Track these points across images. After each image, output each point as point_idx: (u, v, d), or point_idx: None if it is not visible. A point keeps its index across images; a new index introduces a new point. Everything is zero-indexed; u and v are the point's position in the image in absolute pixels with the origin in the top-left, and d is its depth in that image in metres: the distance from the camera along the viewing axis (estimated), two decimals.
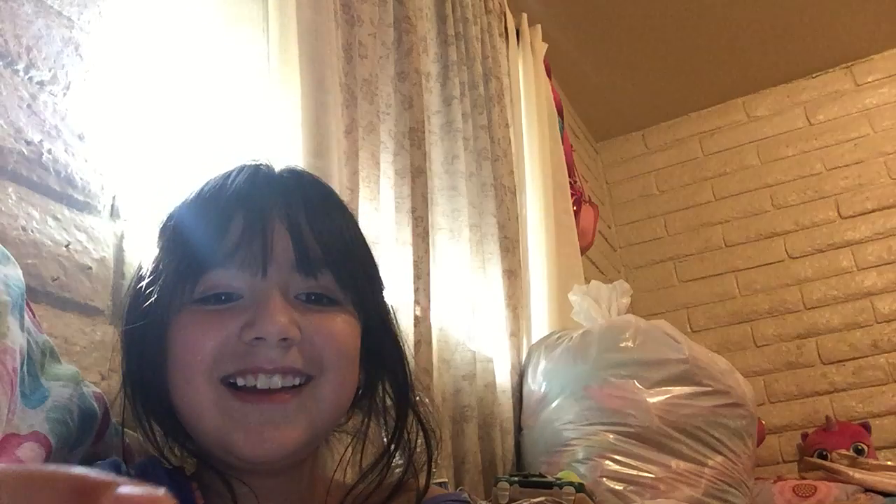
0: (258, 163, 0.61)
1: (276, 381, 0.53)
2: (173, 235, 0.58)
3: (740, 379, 1.52)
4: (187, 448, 0.59)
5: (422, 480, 0.62)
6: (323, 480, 0.63)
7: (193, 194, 0.59)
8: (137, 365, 0.58)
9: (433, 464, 0.63)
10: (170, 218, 0.59)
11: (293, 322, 0.54)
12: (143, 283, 0.57)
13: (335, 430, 0.64)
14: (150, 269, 0.57)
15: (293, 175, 0.61)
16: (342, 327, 0.57)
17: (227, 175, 0.59)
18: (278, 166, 0.62)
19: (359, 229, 0.64)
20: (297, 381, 0.55)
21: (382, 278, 0.65)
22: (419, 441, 0.63)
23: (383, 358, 0.63)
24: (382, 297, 0.65)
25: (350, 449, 0.64)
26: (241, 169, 0.60)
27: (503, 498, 1.25)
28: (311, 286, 0.56)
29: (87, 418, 0.56)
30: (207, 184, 0.59)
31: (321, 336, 0.55)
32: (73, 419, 0.54)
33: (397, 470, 0.62)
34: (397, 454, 0.63)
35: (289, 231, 0.56)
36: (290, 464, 0.57)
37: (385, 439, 0.63)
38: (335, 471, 0.65)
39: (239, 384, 0.53)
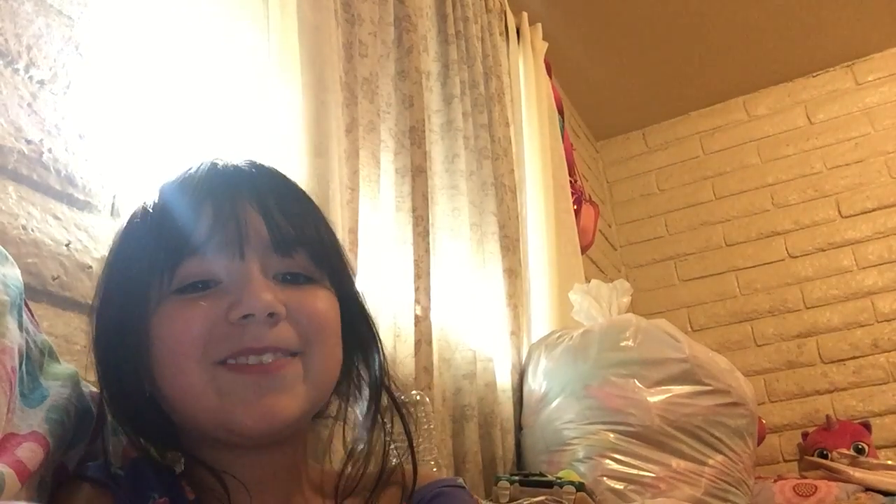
0: (214, 159, 0.61)
1: (268, 358, 0.54)
2: (142, 230, 0.57)
3: (741, 378, 1.52)
4: (172, 448, 0.59)
5: (408, 466, 0.62)
6: (311, 469, 0.63)
7: (157, 191, 0.59)
8: (115, 369, 0.57)
9: (414, 446, 0.63)
10: (134, 216, 0.59)
11: (277, 298, 0.54)
12: (114, 283, 0.57)
13: (319, 418, 0.64)
14: (120, 267, 0.57)
15: (254, 164, 0.62)
16: (324, 303, 0.58)
17: (189, 169, 0.60)
18: (235, 161, 0.62)
19: (323, 215, 0.64)
20: (287, 356, 0.55)
21: (350, 263, 0.66)
22: (397, 427, 0.64)
23: (359, 337, 0.64)
24: (352, 279, 0.65)
25: (334, 436, 0.65)
26: (201, 164, 0.60)
27: (503, 497, 1.25)
28: (289, 265, 0.57)
29: (83, 418, 0.56)
30: (169, 182, 0.59)
31: (304, 312, 0.56)
32: (69, 419, 0.54)
33: (395, 460, 0.63)
34: (390, 442, 0.63)
35: (261, 213, 0.56)
36: (282, 442, 0.57)
37: (361, 417, 0.64)
38: (323, 459, 0.66)
39: (230, 364, 0.53)
